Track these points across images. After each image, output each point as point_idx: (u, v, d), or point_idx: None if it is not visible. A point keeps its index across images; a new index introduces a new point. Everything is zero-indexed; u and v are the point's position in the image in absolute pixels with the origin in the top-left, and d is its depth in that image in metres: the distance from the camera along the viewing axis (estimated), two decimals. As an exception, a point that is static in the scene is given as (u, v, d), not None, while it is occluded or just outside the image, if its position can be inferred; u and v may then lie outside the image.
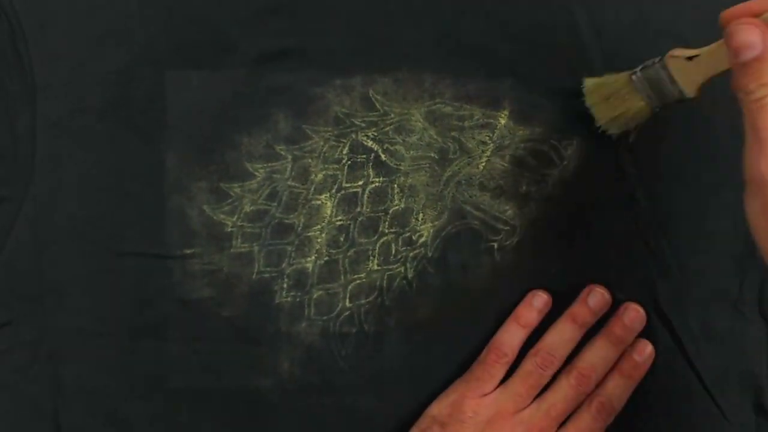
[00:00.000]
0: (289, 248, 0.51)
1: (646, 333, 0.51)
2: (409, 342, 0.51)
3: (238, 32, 0.51)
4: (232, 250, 0.51)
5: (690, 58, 0.44)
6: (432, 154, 0.51)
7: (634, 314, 0.51)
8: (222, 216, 0.51)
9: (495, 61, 0.51)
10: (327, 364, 0.51)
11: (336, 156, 0.51)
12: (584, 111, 0.51)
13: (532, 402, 0.50)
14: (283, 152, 0.51)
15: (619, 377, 0.50)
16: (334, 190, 0.51)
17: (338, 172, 0.51)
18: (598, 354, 0.50)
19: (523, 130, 0.52)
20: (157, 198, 0.50)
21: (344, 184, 0.51)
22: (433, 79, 0.51)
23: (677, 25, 0.52)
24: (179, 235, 0.51)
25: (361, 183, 0.51)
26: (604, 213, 0.52)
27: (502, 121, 0.51)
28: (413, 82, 0.51)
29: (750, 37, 0.37)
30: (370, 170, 0.51)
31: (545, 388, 0.50)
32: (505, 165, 0.52)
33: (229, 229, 0.51)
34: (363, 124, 0.51)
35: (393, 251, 0.51)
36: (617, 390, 0.50)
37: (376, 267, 0.51)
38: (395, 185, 0.51)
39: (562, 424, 0.50)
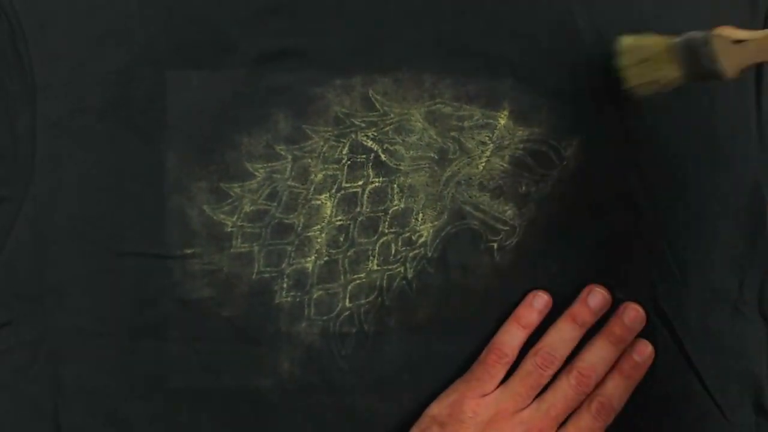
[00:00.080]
0: (289, 248, 0.51)
1: (646, 333, 0.51)
2: (409, 342, 0.51)
3: (238, 32, 0.51)
4: (232, 250, 0.51)
5: (737, 42, 0.43)
6: (432, 155, 0.51)
7: (633, 314, 0.51)
8: (222, 216, 0.51)
9: (495, 61, 0.51)
10: (327, 364, 0.51)
11: (336, 156, 0.51)
12: (586, 109, 0.51)
13: (532, 402, 0.50)
14: (283, 152, 0.51)
15: (619, 377, 0.50)
16: (334, 190, 0.51)
17: (338, 172, 0.51)
18: (598, 354, 0.50)
19: (523, 130, 0.52)
20: (157, 198, 0.50)
21: (344, 184, 0.51)
22: (433, 79, 0.51)
23: (677, 25, 0.52)
24: (179, 235, 0.51)
25: (360, 183, 0.51)
26: (603, 213, 0.52)
27: (502, 122, 0.51)
28: (413, 82, 0.51)
29: None
30: (370, 170, 0.51)
31: (545, 388, 0.50)
32: (505, 165, 0.52)
33: (229, 229, 0.51)
34: (363, 124, 0.51)
35: (393, 251, 0.51)
36: (617, 390, 0.50)
37: (375, 267, 0.51)
38: (395, 185, 0.51)
39: (562, 424, 0.50)
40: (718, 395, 0.52)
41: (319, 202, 0.51)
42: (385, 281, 0.51)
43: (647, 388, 0.51)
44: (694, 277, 0.52)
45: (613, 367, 0.51)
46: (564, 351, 0.50)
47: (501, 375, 0.50)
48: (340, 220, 0.51)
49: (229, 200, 0.51)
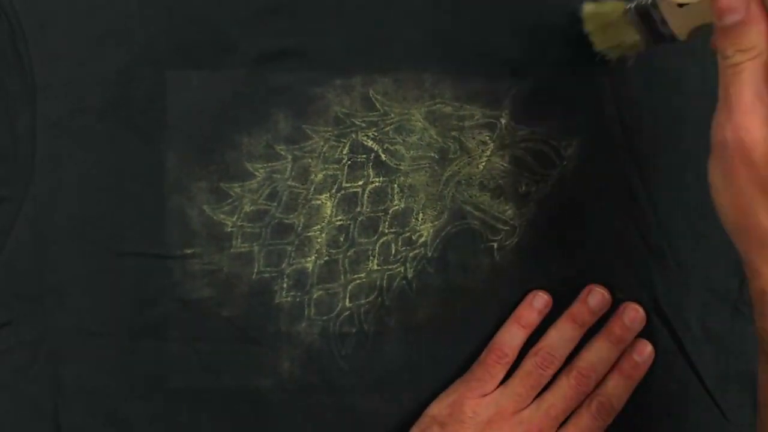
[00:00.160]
0: (289, 248, 0.51)
1: (646, 333, 0.51)
2: (409, 342, 0.51)
3: (238, 32, 0.51)
4: (232, 250, 0.51)
5: (681, 5, 0.44)
6: (432, 154, 0.51)
7: (633, 314, 0.51)
8: (222, 216, 0.51)
9: (495, 61, 0.51)
10: (327, 364, 0.51)
11: (336, 156, 0.51)
12: (586, 109, 0.51)
13: (532, 402, 0.50)
14: (283, 152, 0.51)
15: (619, 377, 0.50)
16: (334, 190, 0.51)
17: (338, 172, 0.51)
18: (598, 354, 0.50)
19: (523, 130, 0.52)
20: (157, 198, 0.50)
21: (344, 184, 0.51)
22: (433, 79, 0.51)
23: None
24: (179, 235, 0.50)
25: (361, 183, 0.51)
26: (604, 213, 0.52)
27: (503, 121, 0.51)
28: (413, 82, 0.51)
29: (734, 1, 0.37)
30: (370, 170, 0.51)
31: (545, 388, 0.50)
32: (505, 165, 0.52)
33: (229, 229, 0.51)
34: (363, 124, 0.51)
35: (393, 251, 0.51)
36: (617, 390, 0.50)
37: (376, 267, 0.51)
38: (395, 185, 0.51)
39: (562, 423, 0.50)
40: (718, 395, 0.52)
41: (319, 202, 0.51)
42: (385, 281, 0.51)
43: (647, 388, 0.51)
44: (694, 277, 0.52)
45: (613, 367, 0.51)
46: (564, 351, 0.50)
47: (501, 375, 0.50)
48: (340, 219, 0.51)
49: (229, 200, 0.51)
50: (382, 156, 0.51)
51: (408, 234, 0.51)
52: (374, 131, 0.51)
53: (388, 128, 0.51)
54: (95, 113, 0.50)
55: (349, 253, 0.51)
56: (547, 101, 0.51)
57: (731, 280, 0.52)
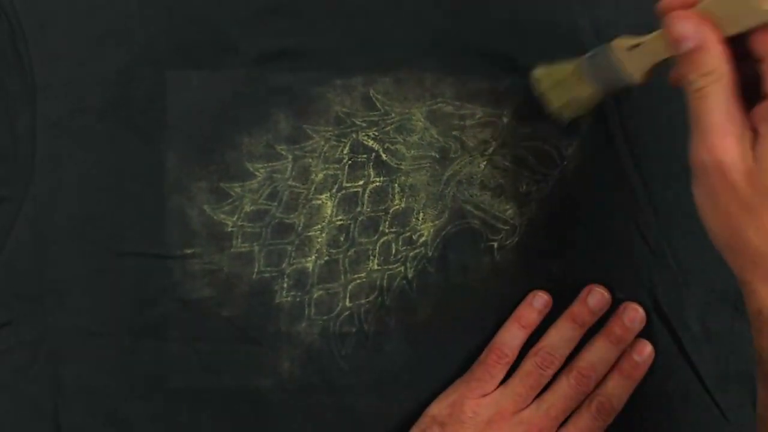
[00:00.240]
0: (290, 248, 0.51)
1: (646, 333, 0.51)
2: (409, 342, 0.51)
3: (238, 32, 0.51)
4: (232, 250, 0.51)
5: (632, 48, 0.44)
6: (433, 154, 0.51)
7: (633, 314, 0.51)
8: (222, 216, 0.51)
9: (496, 60, 0.51)
10: (327, 364, 0.51)
11: (336, 156, 0.51)
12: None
13: (532, 402, 0.50)
14: (283, 152, 0.51)
15: (619, 377, 0.50)
16: (334, 190, 0.51)
17: (339, 172, 0.51)
18: (597, 354, 0.50)
19: (525, 129, 0.52)
20: (157, 198, 0.50)
21: (345, 184, 0.51)
22: (434, 78, 0.51)
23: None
24: (179, 235, 0.50)
25: (361, 183, 0.51)
26: (604, 213, 0.52)
27: (504, 121, 0.51)
28: (414, 81, 0.51)
29: (686, 28, 0.37)
30: (371, 170, 0.51)
31: (545, 388, 0.50)
32: (506, 164, 0.52)
33: (230, 229, 0.51)
34: (364, 124, 0.51)
35: (393, 251, 0.51)
36: (617, 390, 0.50)
37: (376, 267, 0.51)
38: (396, 185, 0.51)
39: (563, 423, 0.50)
40: (718, 395, 0.52)
41: (319, 201, 0.51)
42: (385, 281, 0.51)
43: (647, 388, 0.51)
44: (694, 277, 0.52)
45: (613, 367, 0.51)
46: (564, 351, 0.50)
47: (501, 375, 0.50)
48: (340, 219, 0.51)
49: (230, 200, 0.51)
50: (383, 156, 0.51)
51: (408, 234, 0.51)
52: (375, 131, 0.51)
53: (388, 128, 0.51)
54: (95, 113, 0.50)
55: (349, 253, 0.51)
56: (547, 101, 0.51)
57: (731, 280, 0.51)
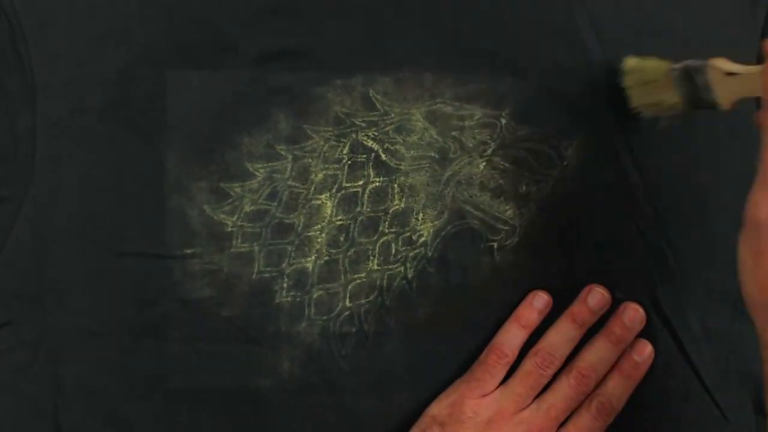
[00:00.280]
0: (289, 248, 0.51)
1: (646, 333, 0.51)
2: (409, 342, 0.51)
3: (238, 32, 0.51)
4: (232, 250, 0.51)
5: (730, 74, 0.43)
6: (432, 154, 0.51)
7: (633, 314, 0.51)
8: (222, 216, 0.51)
9: (495, 60, 0.51)
10: (327, 364, 0.51)
11: (336, 156, 0.51)
12: (587, 109, 0.51)
13: (532, 402, 0.50)
14: (283, 152, 0.51)
15: (619, 377, 0.50)
16: (334, 190, 0.51)
17: (338, 172, 0.51)
18: (597, 354, 0.50)
19: (524, 129, 0.52)
20: (157, 198, 0.50)
21: (344, 184, 0.51)
22: (434, 78, 0.51)
23: (677, 25, 0.52)
24: (179, 235, 0.50)
25: (361, 183, 0.51)
26: (604, 213, 0.52)
27: (503, 121, 0.51)
28: (414, 81, 0.51)
29: None
30: (371, 170, 0.51)
31: (545, 388, 0.50)
32: (506, 165, 0.52)
33: (230, 229, 0.51)
34: (363, 124, 0.51)
35: (393, 251, 0.51)
36: (617, 390, 0.50)
37: (376, 267, 0.51)
38: (395, 185, 0.51)
39: (563, 423, 0.50)
40: (718, 395, 0.52)
41: (319, 201, 0.51)
42: (385, 281, 0.51)
43: (647, 388, 0.51)
44: (694, 277, 0.52)
45: (613, 367, 0.51)
46: (564, 351, 0.50)
47: (501, 375, 0.50)
48: (340, 219, 0.51)
49: (230, 200, 0.51)
50: (383, 156, 0.51)
51: (408, 234, 0.51)
52: (374, 131, 0.51)
53: (388, 128, 0.51)
54: (95, 113, 0.50)
55: (349, 253, 0.51)
56: (547, 101, 0.51)
57: (731, 280, 0.51)
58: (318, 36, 0.51)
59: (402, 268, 0.51)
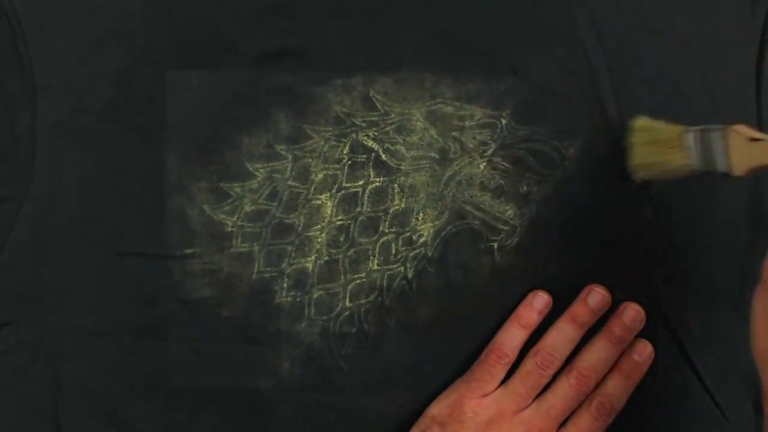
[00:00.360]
0: (289, 248, 0.51)
1: (646, 333, 0.51)
2: (409, 342, 0.51)
3: (238, 32, 0.51)
4: (232, 250, 0.51)
5: (753, 140, 0.43)
6: (432, 154, 0.51)
7: (633, 314, 0.50)
8: (222, 216, 0.51)
9: (496, 60, 0.51)
10: (327, 364, 0.51)
11: (336, 156, 0.51)
12: (587, 109, 0.51)
13: (532, 402, 0.50)
14: (283, 152, 0.51)
15: (619, 377, 0.50)
16: (334, 190, 0.51)
17: (338, 172, 0.51)
18: (597, 354, 0.50)
19: (524, 130, 0.52)
20: (157, 198, 0.50)
21: (344, 184, 0.51)
22: (434, 78, 0.51)
23: (677, 25, 0.52)
24: (179, 235, 0.50)
25: (361, 183, 0.51)
26: (605, 213, 0.52)
27: (503, 121, 0.51)
28: (414, 81, 0.51)
29: None
30: (371, 170, 0.51)
31: (545, 388, 0.50)
32: (506, 165, 0.52)
33: (230, 229, 0.51)
34: (363, 124, 0.51)
35: (393, 251, 0.51)
36: (617, 390, 0.50)
37: (376, 267, 0.51)
38: (395, 185, 0.51)
39: (563, 423, 0.50)
40: (718, 395, 0.52)
41: (319, 201, 0.51)
42: (385, 281, 0.51)
43: (647, 388, 0.51)
44: (694, 277, 0.52)
45: (613, 367, 0.51)
46: (564, 351, 0.50)
47: (501, 375, 0.50)
48: (340, 219, 0.51)
49: (230, 200, 0.51)
50: (383, 156, 0.51)
51: (408, 234, 0.51)
52: (375, 131, 0.51)
53: (388, 128, 0.51)
54: (95, 113, 0.50)
55: (349, 253, 0.51)
56: (547, 101, 0.51)
57: (731, 280, 0.52)
58: (318, 36, 0.51)
59: (402, 268, 0.51)
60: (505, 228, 0.52)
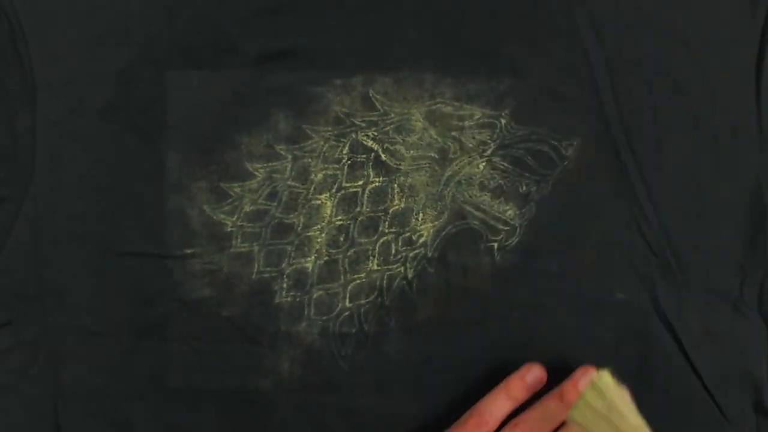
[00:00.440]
0: (289, 248, 0.51)
1: (646, 333, 0.51)
2: (409, 342, 0.51)
3: (238, 32, 0.51)
4: (232, 250, 0.51)
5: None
6: (432, 154, 0.51)
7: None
8: (222, 216, 0.51)
9: (495, 61, 0.51)
10: (327, 364, 0.51)
11: (336, 156, 0.51)
12: (587, 109, 0.51)
13: None
14: (283, 152, 0.51)
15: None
16: (334, 190, 0.51)
17: (338, 172, 0.51)
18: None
19: (524, 130, 0.52)
20: (157, 198, 0.50)
21: (344, 184, 0.51)
22: (434, 78, 0.51)
23: (677, 25, 0.52)
24: (179, 235, 0.51)
25: (361, 183, 0.51)
26: (604, 213, 0.52)
27: (503, 121, 0.51)
28: (413, 81, 0.51)
29: None
30: (370, 170, 0.51)
31: None
32: (506, 165, 0.52)
33: (229, 229, 0.51)
34: (363, 124, 0.51)
35: (393, 251, 0.51)
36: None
37: (376, 267, 0.51)
38: (395, 185, 0.51)
39: None
40: (718, 395, 0.52)
41: (319, 201, 0.51)
42: (385, 281, 0.51)
43: (647, 388, 0.51)
44: (694, 277, 0.52)
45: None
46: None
47: None
48: (340, 219, 0.51)
49: (229, 200, 0.51)
50: (382, 156, 0.51)
51: (408, 234, 0.51)
52: (374, 131, 0.51)
53: (388, 128, 0.51)
54: (95, 113, 0.50)
55: (349, 253, 0.51)
56: (547, 101, 0.51)
57: (731, 280, 0.52)
58: (318, 36, 0.51)
59: (402, 269, 0.51)
60: (505, 228, 0.52)
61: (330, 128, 0.51)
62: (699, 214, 0.52)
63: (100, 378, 0.50)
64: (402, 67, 0.51)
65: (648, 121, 0.52)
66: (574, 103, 0.51)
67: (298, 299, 0.51)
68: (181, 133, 0.50)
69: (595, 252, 0.52)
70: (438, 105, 0.51)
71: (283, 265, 0.51)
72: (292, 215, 0.51)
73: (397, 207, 0.51)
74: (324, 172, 0.51)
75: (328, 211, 0.51)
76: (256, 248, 0.51)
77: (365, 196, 0.51)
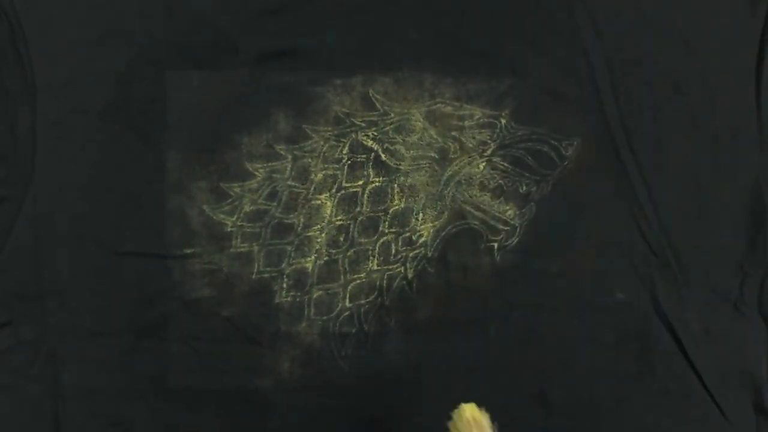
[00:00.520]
0: (289, 248, 0.51)
1: (646, 333, 0.51)
2: (409, 342, 0.51)
3: (238, 32, 0.51)
4: (232, 250, 0.51)
5: None
6: (432, 154, 0.51)
7: None
8: (222, 216, 0.51)
9: (495, 61, 0.51)
10: (327, 364, 0.51)
11: (336, 156, 0.51)
12: (587, 109, 0.51)
13: None
14: (283, 152, 0.51)
15: None
16: (334, 190, 0.51)
17: (338, 172, 0.51)
18: None
19: (524, 129, 0.51)
20: (157, 198, 0.50)
21: (344, 184, 0.51)
22: (434, 78, 0.51)
23: (677, 25, 0.52)
24: (179, 235, 0.51)
25: (361, 183, 0.51)
26: (604, 213, 0.52)
27: (503, 121, 0.51)
28: (413, 81, 0.51)
29: None
30: (370, 170, 0.51)
31: None
32: (506, 165, 0.52)
33: (229, 229, 0.51)
34: (363, 124, 0.51)
35: (393, 251, 0.51)
36: None
37: (376, 267, 0.51)
38: (395, 185, 0.51)
39: None
40: (718, 395, 0.52)
41: (319, 201, 0.51)
42: (385, 281, 0.51)
43: (647, 388, 0.51)
44: (694, 277, 0.52)
45: None
46: None
47: None
48: (340, 219, 0.51)
49: (229, 200, 0.51)
50: (382, 156, 0.51)
51: (408, 234, 0.51)
52: (374, 131, 0.51)
53: (388, 128, 0.51)
54: (95, 113, 0.50)
55: (349, 253, 0.51)
56: (547, 101, 0.51)
57: (731, 280, 0.52)
58: (318, 36, 0.51)
59: (402, 268, 0.51)
60: (505, 228, 0.52)
61: (330, 128, 0.51)
62: (699, 214, 0.52)
63: (100, 378, 0.50)
64: (402, 67, 0.51)
65: (648, 121, 0.52)
66: (575, 102, 0.51)
67: (298, 299, 0.51)
68: (181, 133, 0.50)
69: (595, 252, 0.52)
70: (438, 105, 0.51)
71: (283, 265, 0.51)
72: (292, 215, 0.51)
73: (397, 207, 0.51)
74: (324, 172, 0.51)
75: (328, 211, 0.51)
76: (256, 248, 0.51)
77: (365, 196, 0.51)
